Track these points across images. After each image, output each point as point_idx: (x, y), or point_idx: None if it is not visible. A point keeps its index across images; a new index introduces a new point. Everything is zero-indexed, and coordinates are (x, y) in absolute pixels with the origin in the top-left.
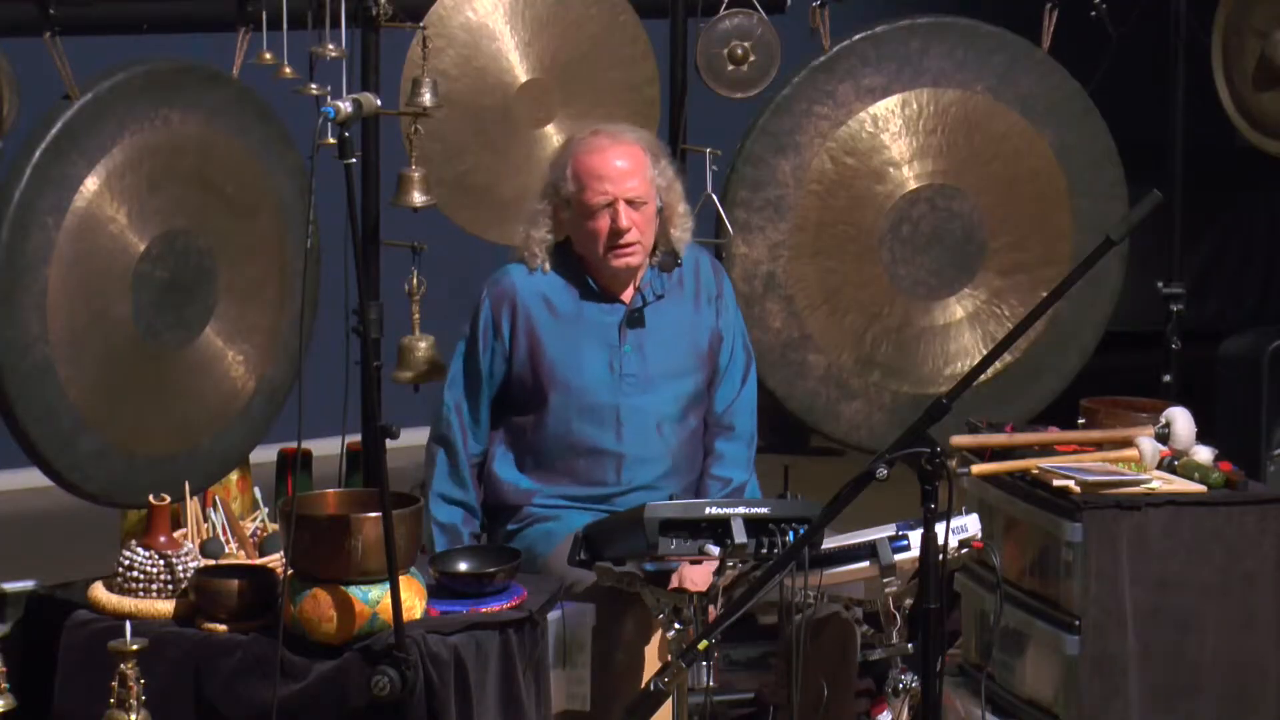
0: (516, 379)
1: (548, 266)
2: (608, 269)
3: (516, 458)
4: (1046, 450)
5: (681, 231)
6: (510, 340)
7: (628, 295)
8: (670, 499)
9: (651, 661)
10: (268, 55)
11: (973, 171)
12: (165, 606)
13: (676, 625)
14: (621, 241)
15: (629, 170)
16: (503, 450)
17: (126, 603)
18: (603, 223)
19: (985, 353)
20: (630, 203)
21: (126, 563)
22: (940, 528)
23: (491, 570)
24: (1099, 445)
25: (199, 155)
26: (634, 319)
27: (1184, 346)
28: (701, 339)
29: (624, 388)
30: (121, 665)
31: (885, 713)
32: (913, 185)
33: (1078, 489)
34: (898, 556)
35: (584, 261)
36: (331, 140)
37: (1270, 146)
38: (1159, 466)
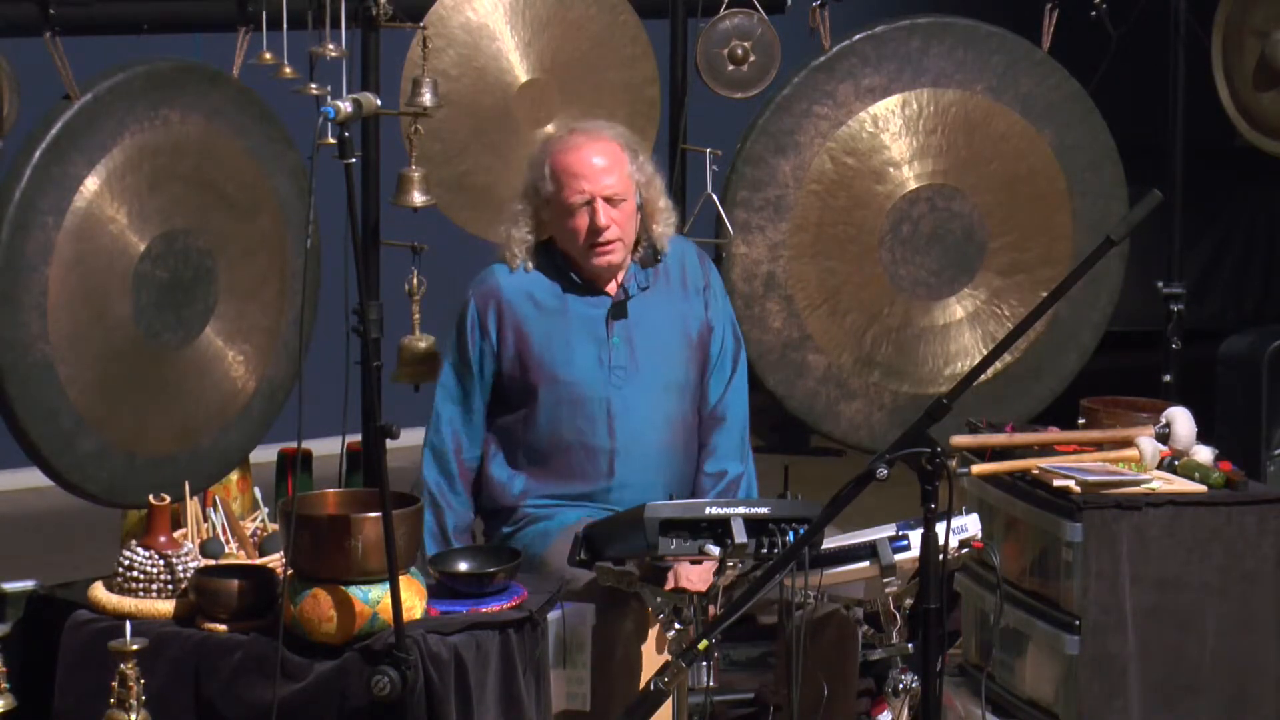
0: (506, 377)
1: (530, 266)
2: (590, 266)
3: (509, 456)
4: (1046, 450)
5: (664, 226)
6: (498, 338)
7: (613, 288)
8: (670, 498)
9: (651, 661)
10: (268, 55)
11: (973, 171)
12: (165, 606)
13: (676, 625)
14: (601, 240)
15: (606, 168)
16: (495, 450)
17: (126, 603)
18: (581, 221)
19: (985, 353)
20: (609, 200)
21: (126, 563)
22: (940, 528)
23: (491, 570)
24: (1099, 445)
25: (199, 155)
26: (620, 311)
27: (1184, 346)
28: (691, 328)
29: (614, 380)
30: (121, 665)
31: (885, 713)
32: (913, 185)
33: (1078, 489)
34: (898, 556)
35: (567, 257)
36: (331, 140)
37: (1270, 146)
38: (1159, 466)
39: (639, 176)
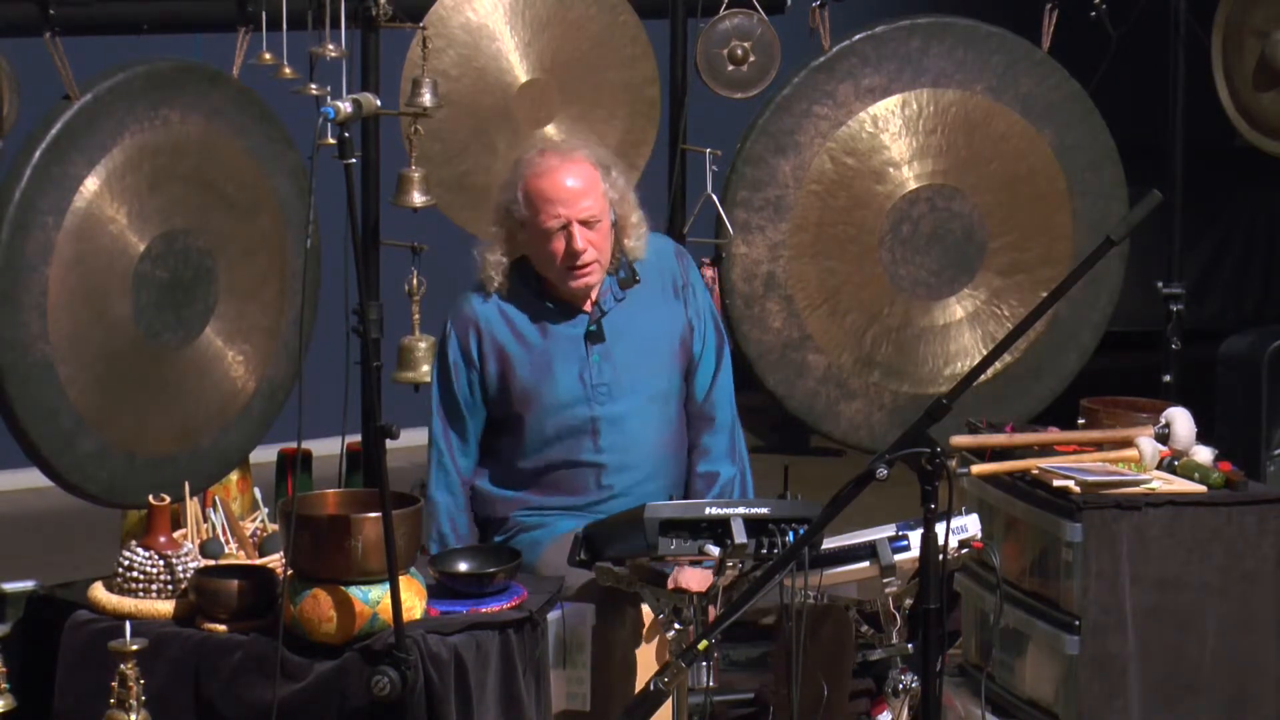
0: (492, 402)
1: (505, 290)
2: (568, 289)
3: (500, 475)
4: (1046, 450)
5: (635, 241)
6: (481, 366)
7: (590, 305)
8: (670, 499)
9: (650, 661)
10: (268, 55)
11: (973, 171)
12: (165, 606)
13: (676, 625)
14: (578, 263)
15: (581, 190)
16: (485, 469)
17: (126, 603)
18: (558, 245)
19: (985, 353)
20: (584, 223)
21: (126, 563)
22: (940, 528)
23: (491, 570)
24: (1099, 445)
25: (199, 155)
26: (598, 328)
27: (1184, 346)
28: (673, 334)
29: (597, 397)
30: (121, 665)
31: (885, 713)
32: (913, 185)
33: (1078, 489)
34: (898, 556)
35: (542, 278)
36: (331, 140)
37: (1270, 146)
38: (1159, 466)
39: (613, 194)
